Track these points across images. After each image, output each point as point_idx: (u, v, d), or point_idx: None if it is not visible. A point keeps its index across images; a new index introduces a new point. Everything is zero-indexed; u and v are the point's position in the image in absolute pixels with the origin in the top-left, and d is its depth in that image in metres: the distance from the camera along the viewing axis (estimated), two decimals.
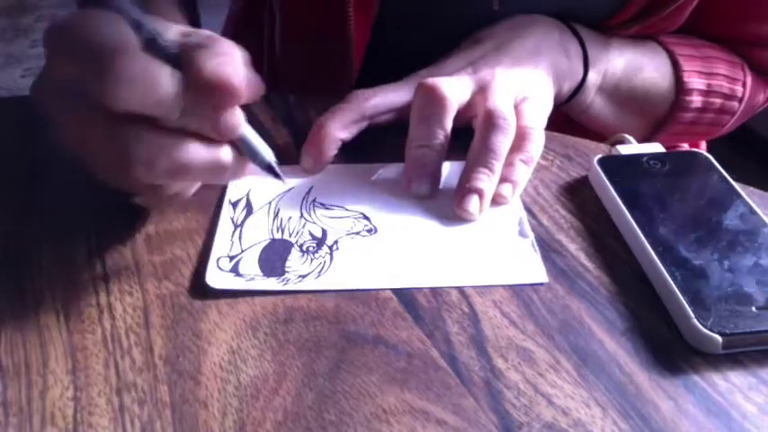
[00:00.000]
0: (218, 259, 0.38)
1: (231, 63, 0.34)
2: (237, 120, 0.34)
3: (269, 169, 0.37)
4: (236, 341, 0.33)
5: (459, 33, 0.51)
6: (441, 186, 0.43)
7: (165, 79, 0.33)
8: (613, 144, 0.46)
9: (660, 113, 0.58)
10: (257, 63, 0.39)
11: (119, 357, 0.33)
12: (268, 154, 0.37)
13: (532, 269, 0.38)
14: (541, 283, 0.37)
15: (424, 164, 0.42)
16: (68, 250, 0.39)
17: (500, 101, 0.43)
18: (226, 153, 0.35)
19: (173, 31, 0.36)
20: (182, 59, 0.34)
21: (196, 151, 0.34)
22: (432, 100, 0.43)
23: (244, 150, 0.36)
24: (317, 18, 0.57)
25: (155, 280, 0.37)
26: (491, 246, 0.39)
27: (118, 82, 0.32)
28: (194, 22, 0.58)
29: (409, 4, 0.57)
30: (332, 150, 0.44)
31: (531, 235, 0.40)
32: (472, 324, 0.34)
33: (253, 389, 0.31)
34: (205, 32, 0.37)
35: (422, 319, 0.35)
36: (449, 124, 0.43)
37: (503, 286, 0.36)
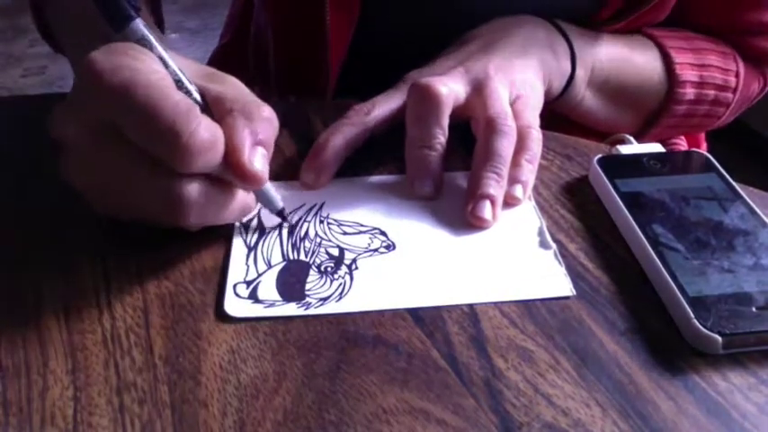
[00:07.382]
0: (235, 285, 0.36)
1: (267, 154, 0.36)
2: (265, 176, 0.36)
3: (280, 214, 0.40)
4: (236, 341, 0.33)
5: (441, 32, 0.51)
6: (455, 196, 0.42)
7: (222, 141, 0.35)
8: (613, 144, 0.46)
9: (653, 107, 0.58)
10: (249, 64, 0.39)
11: (119, 357, 0.33)
12: (279, 201, 0.40)
13: (557, 282, 0.36)
14: (567, 297, 0.36)
15: (425, 164, 0.42)
16: (68, 250, 0.39)
17: (499, 104, 0.43)
18: (252, 199, 0.39)
19: (191, 70, 0.38)
20: (212, 113, 0.36)
21: (239, 201, 0.38)
22: (426, 99, 0.42)
23: (258, 197, 0.39)
24: (297, 17, 0.57)
25: (155, 280, 0.37)
26: (513, 259, 0.38)
27: (192, 153, 0.33)
28: (159, 22, 0.57)
29: (392, 3, 0.57)
30: (334, 167, 0.44)
31: (554, 245, 0.39)
32: (472, 324, 0.34)
33: (253, 389, 0.31)
34: (229, 81, 0.38)
35: (422, 319, 0.35)
36: (446, 122, 0.43)
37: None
